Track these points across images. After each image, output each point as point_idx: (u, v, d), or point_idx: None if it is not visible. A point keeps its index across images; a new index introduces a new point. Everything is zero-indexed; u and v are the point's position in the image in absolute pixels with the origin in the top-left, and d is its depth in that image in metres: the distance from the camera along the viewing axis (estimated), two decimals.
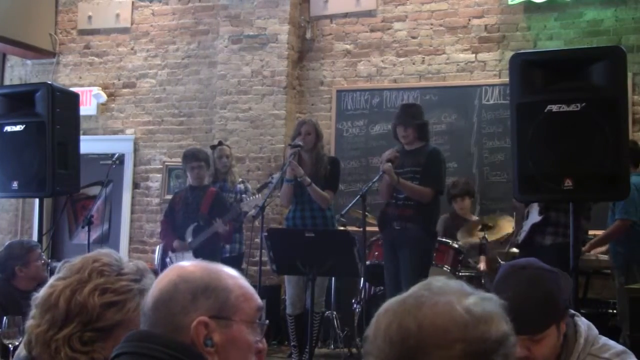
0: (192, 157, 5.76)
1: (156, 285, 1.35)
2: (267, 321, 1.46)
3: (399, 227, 4.87)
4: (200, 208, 5.63)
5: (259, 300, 1.40)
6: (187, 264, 1.39)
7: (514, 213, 5.29)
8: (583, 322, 1.97)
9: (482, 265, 5.67)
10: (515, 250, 5.24)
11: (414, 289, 1.13)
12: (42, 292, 1.61)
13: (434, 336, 1.04)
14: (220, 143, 6.35)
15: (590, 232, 5.16)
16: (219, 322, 1.31)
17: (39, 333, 1.55)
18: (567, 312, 1.94)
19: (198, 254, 5.44)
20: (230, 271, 1.39)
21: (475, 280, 5.57)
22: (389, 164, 4.77)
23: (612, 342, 1.96)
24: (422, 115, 5.10)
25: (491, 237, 5.69)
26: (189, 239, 5.65)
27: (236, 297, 1.35)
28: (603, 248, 5.35)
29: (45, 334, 1.54)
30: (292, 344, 5.41)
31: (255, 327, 1.37)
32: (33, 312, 1.60)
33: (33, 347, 1.56)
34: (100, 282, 1.57)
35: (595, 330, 1.97)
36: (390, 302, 1.12)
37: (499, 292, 1.90)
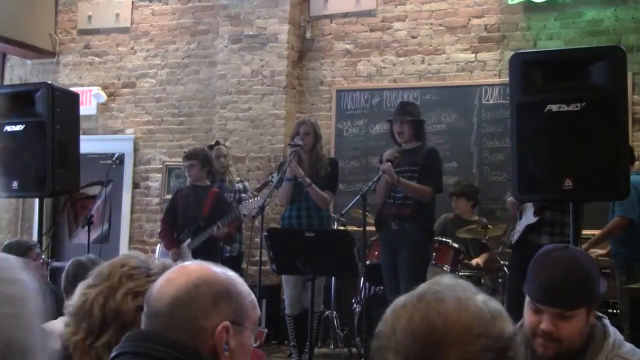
0: (186, 156, 5.76)
1: (169, 285, 1.34)
2: (266, 329, 1.48)
3: (397, 227, 4.87)
4: (201, 209, 5.61)
5: (259, 310, 1.44)
6: (198, 266, 1.39)
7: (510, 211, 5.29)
8: (610, 325, 2.01)
9: (479, 260, 5.69)
10: (508, 250, 5.24)
11: (425, 285, 1.13)
12: (75, 300, 1.62)
13: (459, 331, 1.05)
14: (217, 143, 6.34)
15: (589, 232, 5.16)
16: (234, 327, 1.33)
17: (77, 341, 1.57)
18: (599, 302, 1.98)
19: (197, 254, 5.43)
20: (237, 276, 1.41)
21: (475, 281, 5.57)
22: (389, 163, 4.77)
23: (638, 349, 1.99)
24: (418, 114, 5.11)
25: (490, 233, 5.72)
26: (188, 240, 5.64)
27: (248, 303, 1.38)
28: (604, 251, 5.36)
29: (83, 342, 1.56)
30: (291, 344, 5.41)
31: (254, 333, 1.40)
32: (67, 319, 1.62)
33: (72, 353, 1.57)
34: (132, 286, 1.58)
35: (621, 335, 2.00)
36: (406, 298, 1.11)
37: (540, 266, 1.94)
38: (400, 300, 1.12)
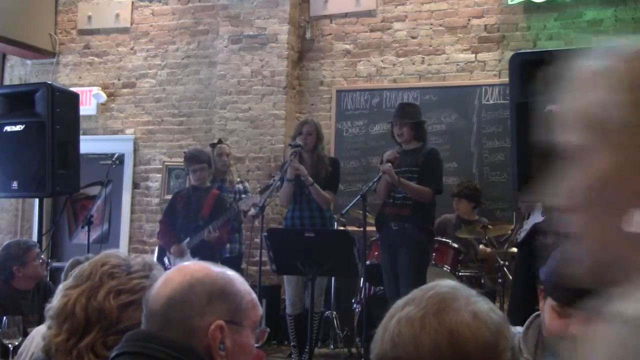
0: (194, 159, 5.71)
1: (166, 285, 1.34)
2: (268, 329, 1.47)
3: (397, 228, 4.87)
4: (201, 210, 5.61)
5: (261, 310, 1.43)
6: (196, 266, 1.38)
7: (514, 213, 5.29)
8: None
9: (487, 249, 5.71)
10: (514, 249, 5.25)
11: (428, 297, 1.11)
12: (56, 302, 1.61)
13: (487, 352, 1.06)
14: (219, 141, 6.34)
15: None
16: (231, 326, 1.33)
17: (59, 342, 1.55)
18: None
19: (196, 254, 5.44)
20: (237, 275, 1.41)
21: (475, 281, 5.57)
22: (389, 164, 4.78)
23: None
24: (419, 115, 5.11)
25: (491, 233, 5.72)
26: (187, 239, 5.63)
27: (246, 302, 1.37)
28: None
29: (65, 343, 1.54)
30: (292, 344, 5.41)
31: (255, 333, 1.39)
32: (49, 322, 1.60)
33: (53, 355, 1.56)
34: (113, 285, 1.57)
35: None
36: (420, 312, 1.09)
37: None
38: (411, 314, 1.09)
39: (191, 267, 1.38)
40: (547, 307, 1.94)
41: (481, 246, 5.75)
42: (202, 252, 5.26)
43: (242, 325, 1.35)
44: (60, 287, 1.64)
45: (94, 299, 1.55)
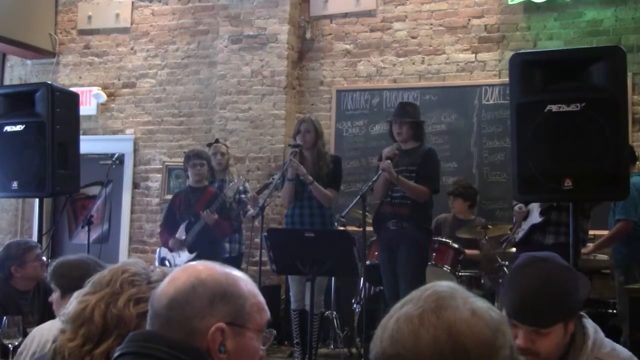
0: (195, 155, 5.74)
1: (170, 285, 1.34)
2: (275, 331, 1.47)
3: (395, 228, 4.87)
4: (196, 207, 5.61)
5: (268, 313, 1.42)
6: (201, 266, 1.37)
7: (514, 218, 5.28)
8: (590, 324, 1.97)
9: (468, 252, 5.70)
10: (513, 249, 5.25)
11: (429, 296, 1.12)
12: (72, 307, 1.59)
13: (485, 348, 1.07)
14: (217, 141, 6.34)
15: (591, 232, 5.16)
16: (233, 329, 1.32)
17: (73, 347, 1.53)
18: (578, 311, 1.94)
19: (198, 255, 5.43)
20: (243, 276, 1.39)
21: (475, 281, 5.57)
22: (388, 161, 4.78)
23: (619, 347, 1.96)
24: (418, 115, 5.11)
25: (490, 233, 5.71)
26: (182, 237, 5.62)
27: (251, 305, 1.36)
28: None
29: (80, 348, 1.52)
30: (295, 341, 5.39)
31: (261, 336, 1.39)
32: (63, 326, 1.59)
33: (64, 359, 1.54)
34: (133, 292, 1.56)
35: (601, 333, 1.97)
36: (418, 311, 1.09)
37: (515, 280, 1.93)
38: (410, 312, 1.10)
39: (197, 268, 1.37)
40: None
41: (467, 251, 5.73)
42: (204, 253, 5.25)
43: (246, 328, 1.34)
44: (77, 293, 1.62)
45: (114, 305, 1.54)
